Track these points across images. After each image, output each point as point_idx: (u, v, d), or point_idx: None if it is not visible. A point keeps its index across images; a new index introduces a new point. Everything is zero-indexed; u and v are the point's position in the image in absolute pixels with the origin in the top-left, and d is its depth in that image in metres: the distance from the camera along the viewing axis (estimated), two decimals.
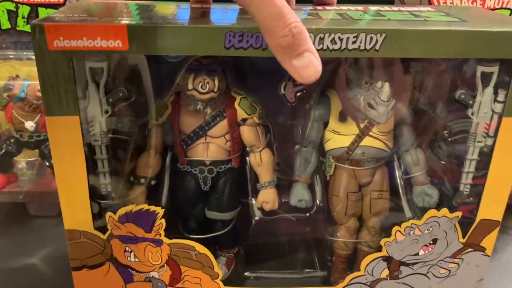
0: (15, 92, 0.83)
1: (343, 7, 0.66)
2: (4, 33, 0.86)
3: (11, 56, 0.86)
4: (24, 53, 0.86)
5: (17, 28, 0.85)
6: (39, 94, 0.81)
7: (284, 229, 0.78)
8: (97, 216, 0.63)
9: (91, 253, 0.65)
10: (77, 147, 0.58)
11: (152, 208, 0.62)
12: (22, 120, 0.85)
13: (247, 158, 0.71)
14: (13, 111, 0.85)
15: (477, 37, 0.55)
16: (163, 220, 0.63)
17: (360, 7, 0.66)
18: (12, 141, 0.88)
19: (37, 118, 0.85)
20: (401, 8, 0.66)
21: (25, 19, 0.85)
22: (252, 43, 0.54)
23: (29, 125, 0.85)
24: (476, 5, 0.86)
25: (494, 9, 0.85)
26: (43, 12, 0.84)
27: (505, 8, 0.85)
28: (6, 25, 0.85)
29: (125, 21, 0.53)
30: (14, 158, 0.91)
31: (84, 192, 0.61)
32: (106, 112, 0.58)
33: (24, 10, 0.84)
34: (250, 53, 0.54)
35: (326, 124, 0.69)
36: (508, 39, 0.55)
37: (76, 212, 0.62)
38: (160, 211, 0.62)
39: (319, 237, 0.77)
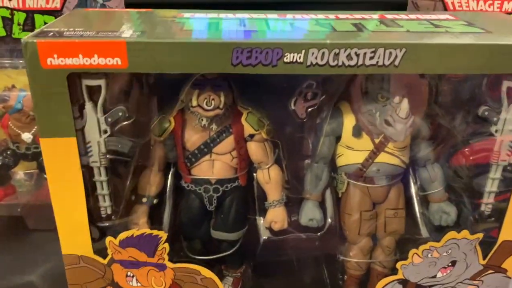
0: (11, 104, 0.79)
1: (357, 16, 0.62)
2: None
3: (7, 65, 0.83)
4: (20, 61, 0.82)
5: (13, 36, 0.81)
6: None
7: (293, 248, 0.74)
8: (97, 240, 0.60)
9: (91, 278, 0.61)
10: (74, 169, 0.54)
11: (155, 232, 0.59)
12: (19, 131, 0.81)
13: (255, 174, 0.67)
14: (9, 122, 0.81)
15: (503, 51, 0.50)
16: (166, 245, 0.60)
17: (375, 15, 0.62)
18: (8, 153, 0.84)
19: (34, 129, 0.82)
20: (419, 16, 0.62)
21: (21, 26, 0.81)
22: (262, 59, 0.50)
23: (26, 136, 0.82)
24: (493, 9, 0.81)
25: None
26: (39, 19, 0.80)
27: None
28: (2, 32, 0.81)
29: (126, 34, 0.49)
30: (12, 169, 0.87)
31: (83, 216, 0.57)
32: (105, 132, 0.54)
33: (20, 17, 0.80)
34: (259, 70, 0.50)
35: (338, 139, 0.65)
36: None
37: (74, 237, 0.58)
38: (163, 235, 0.59)
39: (330, 256, 0.73)
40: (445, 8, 0.81)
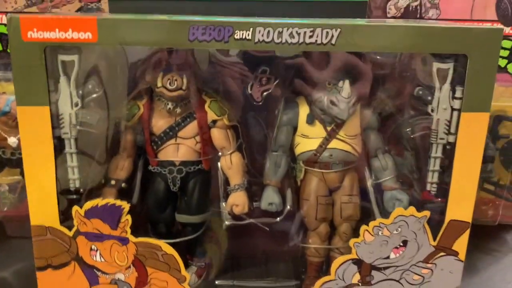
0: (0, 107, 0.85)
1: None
2: None
3: (0, 77, 0.90)
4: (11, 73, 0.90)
5: (8, 51, 0.90)
6: None
7: (257, 238, 0.77)
8: (64, 212, 0.63)
9: (56, 251, 0.64)
10: (46, 138, 0.60)
11: (118, 202, 0.63)
12: (5, 136, 0.87)
13: (219, 163, 0.72)
14: None
15: (426, 32, 0.58)
16: (129, 217, 0.63)
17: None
18: None
19: (19, 134, 0.87)
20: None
21: None
22: (215, 36, 0.57)
23: (12, 141, 0.87)
24: None
25: None
26: None
27: None
28: None
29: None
30: None
31: (52, 186, 0.62)
32: (76, 104, 0.61)
33: None
34: (212, 45, 0.57)
35: (295, 130, 0.71)
36: (456, 35, 0.58)
37: (43, 207, 0.62)
38: (126, 206, 0.63)
39: (293, 246, 0.75)
40: None
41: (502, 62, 0.92)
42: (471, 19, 0.90)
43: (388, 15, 0.91)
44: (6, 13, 0.88)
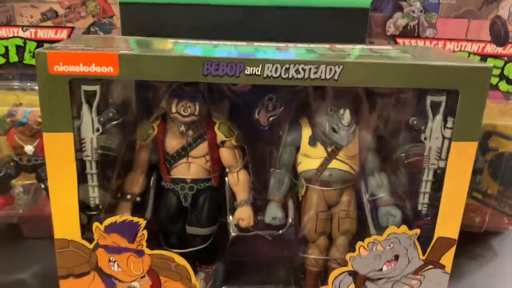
0: (17, 118, 0.90)
1: (312, 45, 0.75)
2: (12, 66, 0.95)
3: (16, 87, 0.95)
4: (28, 84, 0.94)
5: (24, 62, 0.94)
6: (39, 119, 0.88)
7: (261, 248, 0.83)
8: (85, 227, 0.69)
9: (78, 262, 0.70)
10: (70, 161, 0.65)
11: (135, 219, 0.68)
12: (22, 144, 0.92)
13: (226, 178, 0.77)
14: (14, 135, 0.92)
15: (422, 69, 0.63)
16: (145, 232, 0.69)
17: (327, 45, 0.75)
18: (11, 164, 0.94)
19: (36, 142, 0.92)
20: (363, 46, 0.75)
21: (32, 54, 0.93)
22: (227, 71, 0.62)
23: (29, 149, 0.92)
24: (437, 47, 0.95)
25: (454, 51, 0.95)
26: None
27: (464, 51, 0.95)
28: (14, 58, 0.94)
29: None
30: (12, 181, 0.97)
31: (74, 204, 0.67)
32: (97, 130, 0.65)
33: (31, 46, 0.93)
34: (225, 80, 0.62)
35: (298, 149, 0.76)
36: (449, 72, 0.63)
37: (66, 222, 0.68)
38: (142, 222, 0.68)
39: (294, 256, 0.82)
40: None
41: (494, 80, 0.97)
42: (466, 39, 0.95)
43: (388, 33, 0.96)
44: (23, 26, 0.92)
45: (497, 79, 0.97)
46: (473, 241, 1.02)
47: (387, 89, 0.72)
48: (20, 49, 0.93)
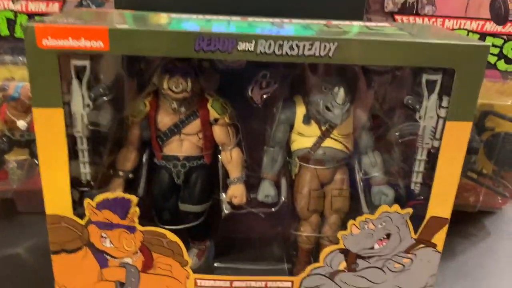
0: (9, 93, 0.89)
1: (308, 21, 0.73)
2: (3, 39, 0.93)
3: (8, 61, 0.93)
4: (20, 58, 0.93)
5: (15, 35, 0.93)
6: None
7: (253, 226, 0.83)
8: (77, 203, 0.69)
9: (69, 237, 0.70)
10: (60, 137, 0.64)
11: (127, 196, 0.68)
12: (15, 119, 0.91)
13: (219, 156, 0.77)
14: (6, 110, 0.91)
15: (417, 47, 0.62)
16: (137, 208, 0.69)
17: (322, 21, 0.74)
18: (4, 139, 0.94)
19: (28, 118, 0.92)
20: (360, 23, 0.74)
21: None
22: (219, 47, 0.60)
23: (21, 124, 0.91)
24: (436, 25, 0.93)
25: (453, 29, 0.93)
26: None
27: (463, 29, 0.93)
28: (5, 32, 0.92)
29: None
30: (5, 156, 0.97)
31: (66, 180, 0.66)
32: (88, 106, 0.65)
33: (22, 19, 0.91)
34: (217, 55, 0.61)
35: (291, 127, 0.75)
36: (445, 50, 0.62)
37: (57, 198, 0.67)
38: (134, 199, 0.68)
39: (286, 233, 0.82)
40: None
41: (492, 59, 0.96)
42: (465, 16, 0.93)
43: (386, 10, 0.94)
44: None
45: (496, 58, 0.96)
46: (466, 220, 1.03)
47: (383, 66, 0.71)
48: (11, 22, 0.92)
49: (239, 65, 0.71)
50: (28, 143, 0.94)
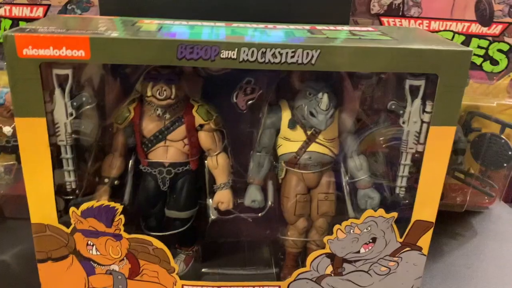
0: None
1: (292, 26, 0.73)
2: None
3: None
4: (5, 63, 0.92)
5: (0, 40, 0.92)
6: None
7: (241, 230, 0.83)
8: (63, 211, 0.69)
9: (55, 246, 0.70)
10: (43, 146, 0.64)
11: (112, 204, 0.68)
12: (0, 125, 0.91)
13: (205, 161, 0.76)
14: None
15: (400, 53, 0.62)
16: (122, 216, 0.69)
17: (307, 27, 0.74)
18: None
19: (14, 123, 0.91)
20: (344, 28, 0.74)
21: None
22: (202, 55, 0.60)
23: (7, 130, 0.91)
24: (422, 27, 0.93)
25: (438, 31, 0.93)
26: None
27: (448, 30, 0.93)
28: None
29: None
30: None
31: (50, 189, 0.66)
32: (71, 115, 0.64)
33: (6, 24, 0.91)
34: (199, 64, 0.61)
35: (278, 131, 0.75)
36: (428, 56, 0.62)
37: (42, 207, 0.67)
38: (119, 207, 0.68)
39: (274, 237, 0.82)
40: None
41: (478, 60, 0.96)
42: (451, 18, 0.93)
43: (372, 12, 0.94)
44: None
45: (481, 59, 0.96)
46: (453, 220, 1.03)
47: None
48: None
49: (222, 72, 0.71)
50: (14, 148, 0.94)
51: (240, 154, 0.78)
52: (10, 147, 0.93)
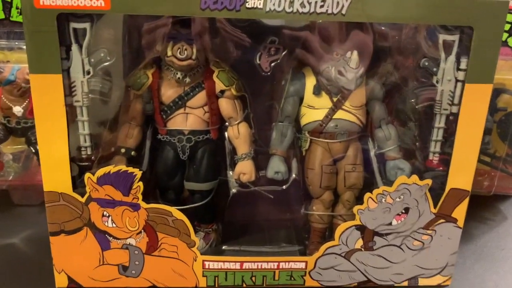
0: (4, 75, 0.85)
1: None
2: None
3: (3, 45, 0.90)
4: (16, 43, 0.90)
5: (11, 19, 0.89)
6: (28, 77, 0.83)
7: (262, 207, 0.79)
8: (77, 178, 0.65)
9: (69, 217, 0.66)
10: (59, 106, 0.60)
11: (130, 169, 0.64)
12: (10, 105, 0.88)
13: (226, 133, 0.73)
14: (1, 95, 0.87)
15: (436, 3, 0.59)
16: (140, 183, 0.65)
17: None
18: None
19: (25, 103, 0.88)
20: None
21: (19, 10, 0.89)
22: (227, 4, 0.57)
23: (17, 110, 0.88)
24: None
25: None
26: None
27: None
28: (1, 15, 0.89)
29: None
30: (1, 147, 0.93)
31: (65, 153, 0.63)
32: (88, 73, 0.61)
33: (19, 1, 0.88)
34: (224, 14, 0.58)
35: (301, 100, 0.72)
36: (465, 6, 0.59)
37: (56, 173, 0.63)
38: (138, 172, 0.64)
39: (297, 214, 0.78)
40: None
41: (503, 36, 0.93)
42: None
43: None
44: None
45: (507, 35, 0.93)
46: (482, 205, 0.98)
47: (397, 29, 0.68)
48: (6, 5, 0.88)
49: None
50: (24, 130, 0.90)
51: (263, 124, 0.75)
52: (20, 129, 0.90)
